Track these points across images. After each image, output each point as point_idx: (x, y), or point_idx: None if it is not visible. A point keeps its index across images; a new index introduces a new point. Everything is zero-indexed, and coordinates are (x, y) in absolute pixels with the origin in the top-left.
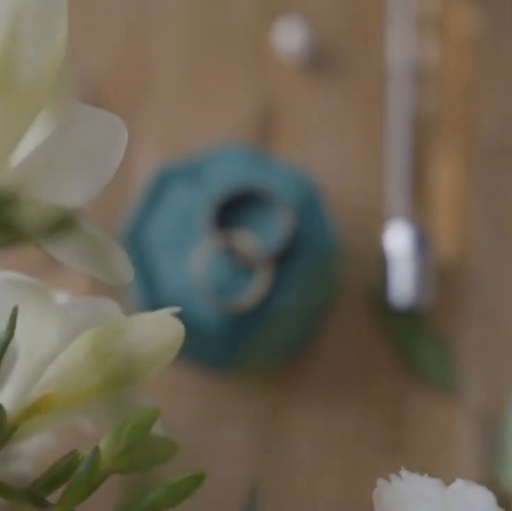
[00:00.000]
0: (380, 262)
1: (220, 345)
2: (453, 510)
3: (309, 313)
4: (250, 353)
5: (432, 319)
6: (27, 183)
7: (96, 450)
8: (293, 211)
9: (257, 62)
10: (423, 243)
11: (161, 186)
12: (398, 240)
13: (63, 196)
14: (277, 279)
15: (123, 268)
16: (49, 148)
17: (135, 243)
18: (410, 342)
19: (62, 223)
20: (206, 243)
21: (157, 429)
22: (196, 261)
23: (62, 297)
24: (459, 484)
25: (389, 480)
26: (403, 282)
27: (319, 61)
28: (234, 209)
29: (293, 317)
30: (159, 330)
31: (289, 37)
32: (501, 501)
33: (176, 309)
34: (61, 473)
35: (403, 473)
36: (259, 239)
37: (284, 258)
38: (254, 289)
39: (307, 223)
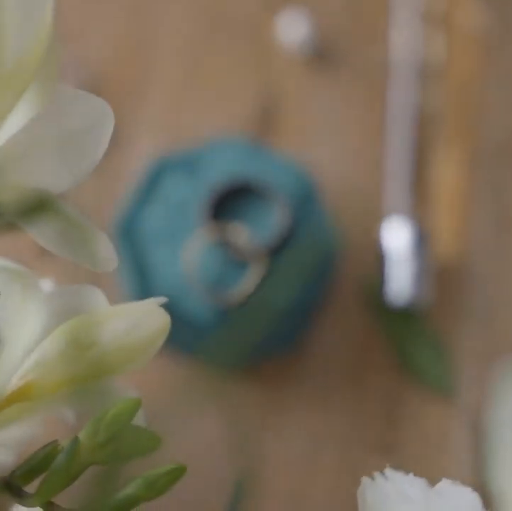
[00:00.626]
0: (378, 260)
1: (210, 338)
2: (436, 510)
3: (303, 308)
4: (242, 348)
5: (430, 318)
6: (9, 165)
7: (75, 440)
8: (289, 205)
9: (258, 54)
10: (423, 241)
11: (157, 176)
12: (397, 237)
13: (47, 180)
14: (271, 274)
15: (107, 255)
16: (33, 131)
17: (129, 233)
18: (407, 341)
19: (39, 205)
20: (200, 234)
21: (139, 421)
22: (189, 253)
23: (47, 285)
24: (444, 484)
25: (373, 479)
26: (400, 281)
27: (321, 55)
28: (230, 202)
29: (287, 312)
30: (145, 320)
31: (292, 30)
32: (488, 503)
33: (163, 300)
34: (40, 463)
35: (388, 471)
36: (254, 233)
37: (279, 252)
38: (247, 283)
39: (304, 217)
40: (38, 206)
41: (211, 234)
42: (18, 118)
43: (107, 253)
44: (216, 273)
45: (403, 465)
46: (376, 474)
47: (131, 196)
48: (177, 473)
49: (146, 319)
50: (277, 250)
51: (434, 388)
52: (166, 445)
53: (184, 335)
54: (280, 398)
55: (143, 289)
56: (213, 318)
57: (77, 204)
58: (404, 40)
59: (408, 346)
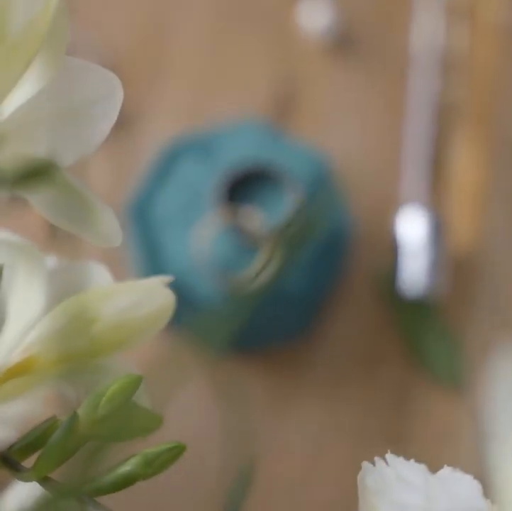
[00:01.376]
0: (392, 249)
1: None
2: (435, 496)
3: (314, 294)
4: (252, 333)
5: (443, 310)
6: (15, 134)
7: (74, 415)
8: (303, 191)
9: (279, 40)
10: (438, 231)
11: (172, 159)
12: (413, 227)
13: (53, 151)
14: (282, 259)
15: (111, 230)
16: (41, 101)
17: (142, 215)
18: (419, 333)
19: (38, 172)
20: (212, 218)
21: (142, 400)
22: (201, 236)
23: (52, 262)
24: (445, 471)
25: (374, 464)
26: (414, 271)
27: (343, 42)
28: (244, 187)
29: (299, 298)
30: (149, 297)
31: (314, 16)
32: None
33: (169, 278)
34: (37, 438)
35: (389, 456)
36: (267, 218)
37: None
38: (258, 268)
39: (318, 203)
40: (37, 173)
41: (224, 218)
42: (26, 88)
43: (111, 228)
44: (227, 257)
45: (411, 456)
46: (377, 459)
47: (146, 177)
48: (177, 452)
49: (149, 297)
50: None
51: (444, 380)
52: (164, 426)
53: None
54: (288, 384)
55: (154, 270)
56: (220, 300)
57: (92, 184)
58: (427, 29)
59: (419, 338)
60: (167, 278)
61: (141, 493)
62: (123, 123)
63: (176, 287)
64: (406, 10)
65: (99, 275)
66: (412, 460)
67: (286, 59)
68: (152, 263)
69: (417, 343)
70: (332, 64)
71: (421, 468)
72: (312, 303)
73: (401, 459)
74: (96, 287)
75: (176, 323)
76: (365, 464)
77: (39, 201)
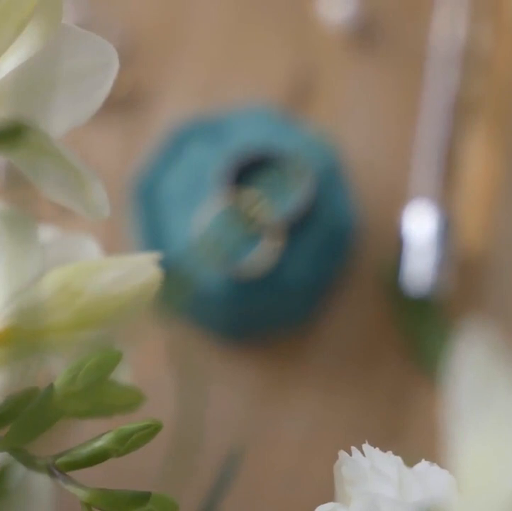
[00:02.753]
0: (399, 244)
1: (219, 309)
2: (409, 488)
3: (316, 285)
4: (250, 321)
5: (447, 309)
6: (5, 99)
7: (50, 386)
8: (311, 180)
9: (300, 29)
10: (447, 228)
11: (181, 140)
12: (420, 223)
13: (45, 119)
14: (288, 248)
15: (99, 201)
16: (34, 67)
17: (148, 195)
18: (420, 331)
19: (16, 131)
20: (217, 201)
21: (125, 377)
22: (203, 219)
23: (45, 233)
24: (422, 465)
25: (351, 454)
26: (419, 268)
27: (363, 33)
28: (251, 172)
29: (300, 288)
30: (135, 273)
31: (336, 6)
32: None
33: (157, 255)
34: (13, 408)
35: (366, 447)
36: (273, 205)
37: (298, 227)
38: (259, 256)
39: (326, 193)
40: (7, 134)
41: (228, 202)
42: (19, 54)
43: (99, 200)
44: (229, 242)
45: (407, 454)
46: (354, 449)
47: (153, 157)
48: (152, 430)
49: (136, 272)
50: (296, 224)
51: (443, 379)
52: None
53: (192, 302)
54: (284, 374)
55: (155, 249)
56: (223, 287)
57: (103, 160)
58: (449, 24)
59: (420, 336)
60: (155, 255)
61: (116, 471)
62: (137, 101)
63: (174, 267)
64: (429, 3)
65: (89, 249)
66: (389, 453)
67: (305, 48)
68: (154, 242)
69: (417, 341)
70: (351, 55)
71: (396, 461)
72: (313, 293)
73: (377, 450)
74: (82, 261)
75: (179, 310)
76: (342, 454)
77: (21, 164)
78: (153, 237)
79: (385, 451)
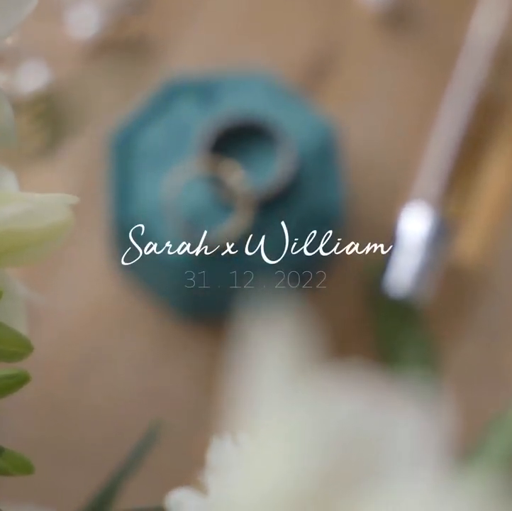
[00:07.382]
0: (389, 243)
1: (179, 280)
2: None
3: (289, 268)
4: (213, 299)
5: (427, 320)
6: None
7: None
8: (295, 157)
9: (329, 3)
10: (441, 235)
11: (169, 96)
12: (415, 225)
13: None
14: (261, 225)
15: (5, 124)
16: None
17: (124, 147)
18: (395, 337)
19: None
20: (192, 165)
21: (15, 323)
22: (174, 182)
23: None
24: None
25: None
26: (405, 270)
27: (397, 16)
28: (236, 140)
29: (267, 268)
30: (43, 211)
31: None
32: None
33: (74, 198)
34: None
35: (241, 435)
36: (253, 177)
37: (276, 203)
38: (228, 227)
39: (313, 175)
40: None
41: (203, 167)
42: None
43: (6, 125)
44: (198, 210)
45: None
46: (226, 435)
47: (140, 108)
48: (17, 380)
49: (45, 211)
50: (273, 201)
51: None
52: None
53: (151, 269)
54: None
55: (123, 202)
56: (182, 256)
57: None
58: (489, 20)
59: (394, 341)
60: (71, 198)
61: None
62: (144, 50)
63: (137, 224)
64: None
65: (4, 182)
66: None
67: (333, 25)
68: (122, 195)
69: (391, 346)
70: (380, 40)
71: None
72: (281, 277)
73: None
74: None
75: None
76: (214, 439)
77: None
78: (122, 189)
79: None
